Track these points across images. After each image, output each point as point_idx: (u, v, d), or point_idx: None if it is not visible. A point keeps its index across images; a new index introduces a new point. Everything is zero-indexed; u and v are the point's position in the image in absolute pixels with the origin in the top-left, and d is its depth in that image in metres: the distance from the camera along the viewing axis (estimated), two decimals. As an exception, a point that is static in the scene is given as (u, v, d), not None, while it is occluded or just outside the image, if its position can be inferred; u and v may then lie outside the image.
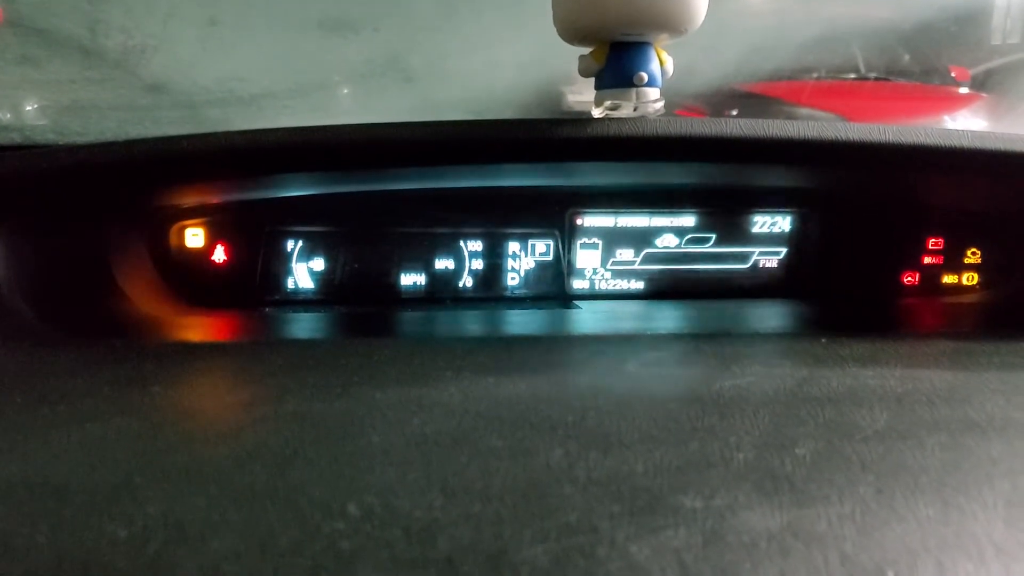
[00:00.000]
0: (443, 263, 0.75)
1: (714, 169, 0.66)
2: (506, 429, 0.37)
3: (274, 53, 1.01)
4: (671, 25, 0.57)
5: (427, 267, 0.75)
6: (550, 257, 0.76)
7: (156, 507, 0.29)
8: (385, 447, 0.35)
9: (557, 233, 0.76)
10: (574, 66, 0.61)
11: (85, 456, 0.35)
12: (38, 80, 0.96)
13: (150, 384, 0.44)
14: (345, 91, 1.02)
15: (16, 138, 0.95)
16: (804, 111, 2.43)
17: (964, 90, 2.69)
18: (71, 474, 0.33)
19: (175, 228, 0.71)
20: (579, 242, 0.76)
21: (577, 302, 0.75)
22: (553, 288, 0.76)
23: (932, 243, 0.74)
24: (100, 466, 0.33)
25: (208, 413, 0.41)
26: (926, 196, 0.71)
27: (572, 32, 0.59)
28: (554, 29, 0.60)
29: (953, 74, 2.77)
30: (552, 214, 0.75)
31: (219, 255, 0.73)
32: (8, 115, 0.97)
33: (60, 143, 0.93)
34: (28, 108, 0.97)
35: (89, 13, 0.94)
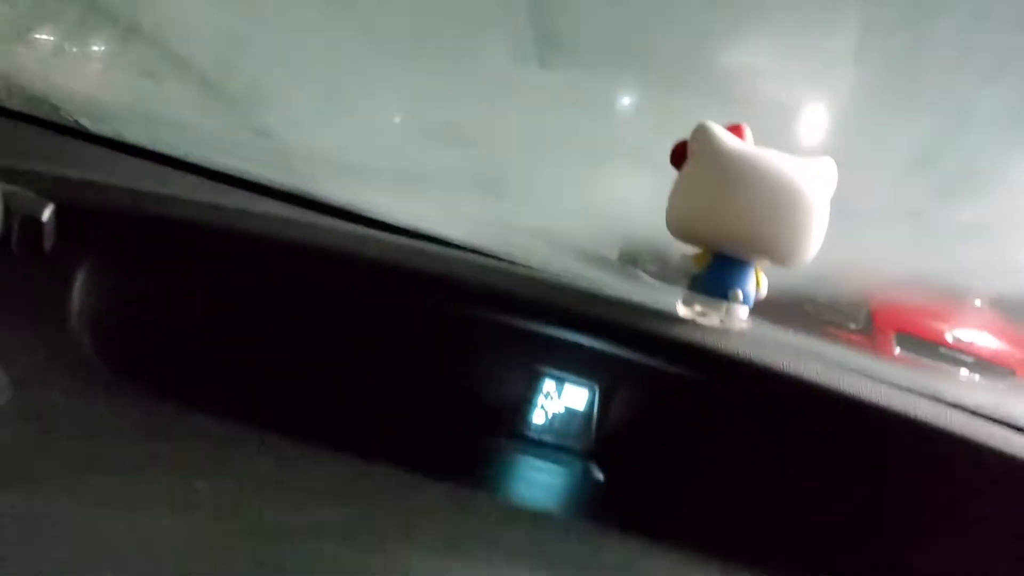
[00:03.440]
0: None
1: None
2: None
3: (386, 138, 1.04)
4: (780, 256, 0.58)
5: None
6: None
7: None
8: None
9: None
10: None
11: (129, 553, 0.34)
12: (153, 93, 0.99)
13: (197, 476, 0.44)
14: (435, 188, 1.04)
15: (108, 131, 0.97)
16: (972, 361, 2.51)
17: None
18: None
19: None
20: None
21: None
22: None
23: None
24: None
25: (252, 537, 0.41)
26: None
27: (682, 233, 0.61)
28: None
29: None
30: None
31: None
32: (111, 112, 0.99)
33: (147, 147, 0.95)
34: (132, 111, 0.99)
35: (228, 56, 0.97)
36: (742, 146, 0.59)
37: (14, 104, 0.86)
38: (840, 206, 0.61)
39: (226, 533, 0.39)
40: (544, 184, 1.07)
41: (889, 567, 0.59)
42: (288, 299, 0.61)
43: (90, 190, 0.59)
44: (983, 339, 2.70)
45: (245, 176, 0.93)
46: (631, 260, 1.16)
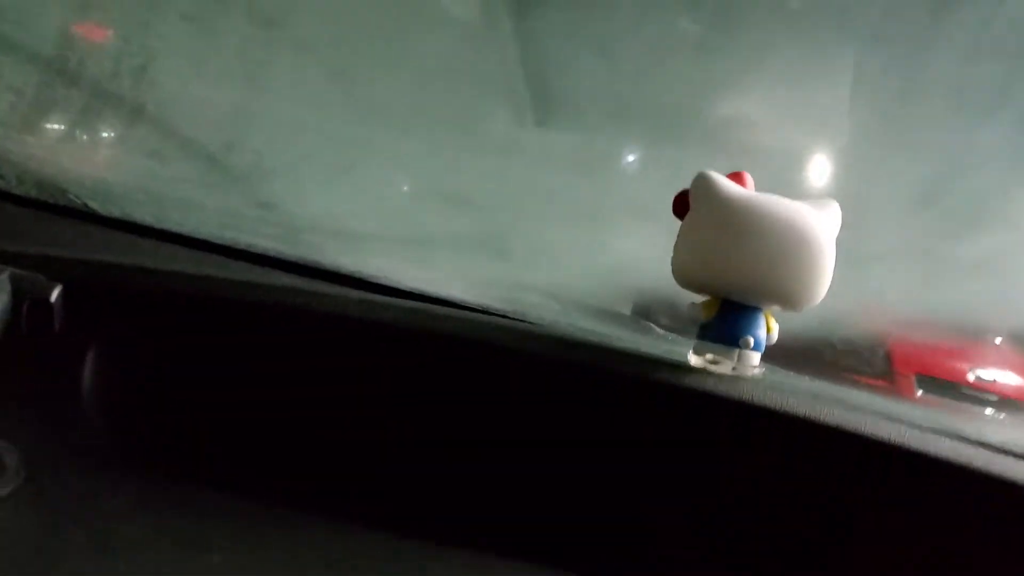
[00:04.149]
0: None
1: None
2: None
3: (388, 206, 1.05)
4: (789, 302, 0.58)
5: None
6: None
7: None
8: None
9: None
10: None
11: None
12: (159, 172, 1.00)
13: (211, 551, 0.43)
14: (441, 252, 1.05)
15: (116, 212, 0.98)
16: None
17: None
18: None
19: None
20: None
21: None
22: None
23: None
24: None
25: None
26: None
27: (689, 282, 0.60)
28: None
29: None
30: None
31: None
32: (118, 192, 1.00)
33: (156, 227, 0.96)
34: (139, 191, 1.01)
35: (231, 133, 0.99)
36: (743, 192, 0.59)
37: (24, 190, 0.87)
38: (847, 248, 0.61)
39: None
40: (550, 243, 1.08)
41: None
42: (296, 368, 0.61)
43: (97, 270, 0.60)
44: (1005, 376, 2.67)
45: (252, 249, 0.94)
46: (643, 314, 1.16)
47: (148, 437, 0.57)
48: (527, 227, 1.08)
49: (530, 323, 0.71)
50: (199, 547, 0.42)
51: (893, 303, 1.10)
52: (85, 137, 1.01)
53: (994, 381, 2.70)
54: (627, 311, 1.15)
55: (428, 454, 0.61)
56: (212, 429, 0.59)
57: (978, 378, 2.74)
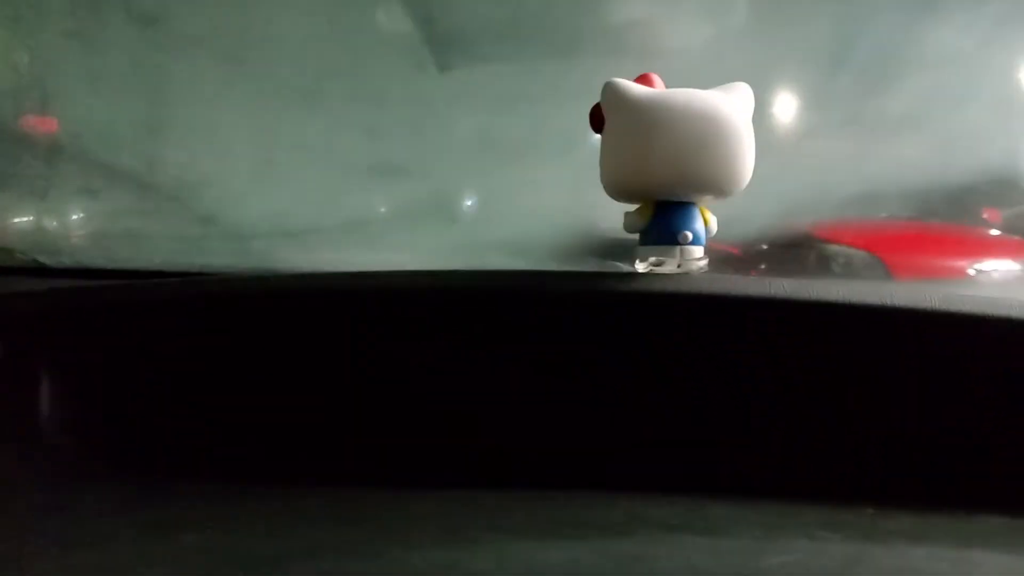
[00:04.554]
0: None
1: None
2: (546, 606, 0.36)
3: (324, 192, 1.04)
4: (717, 189, 0.59)
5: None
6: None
7: None
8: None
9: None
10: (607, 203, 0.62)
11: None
12: (94, 209, 1.00)
13: (182, 531, 0.43)
14: (390, 228, 1.05)
15: (67, 262, 0.97)
16: (839, 250, 2.44)
17: (995, 232, 2.67)
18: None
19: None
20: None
21: None
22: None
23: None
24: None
25: (240, 569, 0.40)
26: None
27: (619, 192, 0.61)
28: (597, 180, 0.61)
29: (986, 216, 2.75)
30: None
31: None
32: (62, 240, 1.00)
33: (109, 268, 0.96)
34: (82, 235, 1.01)
35: (149, 150, 0.99)
36: (652, 92, 0.59)
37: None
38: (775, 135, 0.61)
39: (213, 570, 0.39)
40: (495, 193, 1.07)
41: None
42: (255, 349, 0.61)
43: (29, 298, 0.59)
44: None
45: (206, 271, 0.94)
46: (611, 255, 1.16)
47: (112, 445, 0.57)
48: (467, 183, 1.07)
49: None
50: (170, 531, 0.43)
51: (839, 182, 1.11)
52: (12, 190, 1.00)
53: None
54: (596, 256, 1.15)
55: (381, 408, 0.61)
56: (176, 425, 0.59)
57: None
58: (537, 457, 0.59)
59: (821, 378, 0.60)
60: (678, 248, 0.60)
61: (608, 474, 0.59)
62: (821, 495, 0.59)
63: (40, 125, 1.01)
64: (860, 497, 0.57)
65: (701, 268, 0.61)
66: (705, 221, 0.61)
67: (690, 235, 0.60)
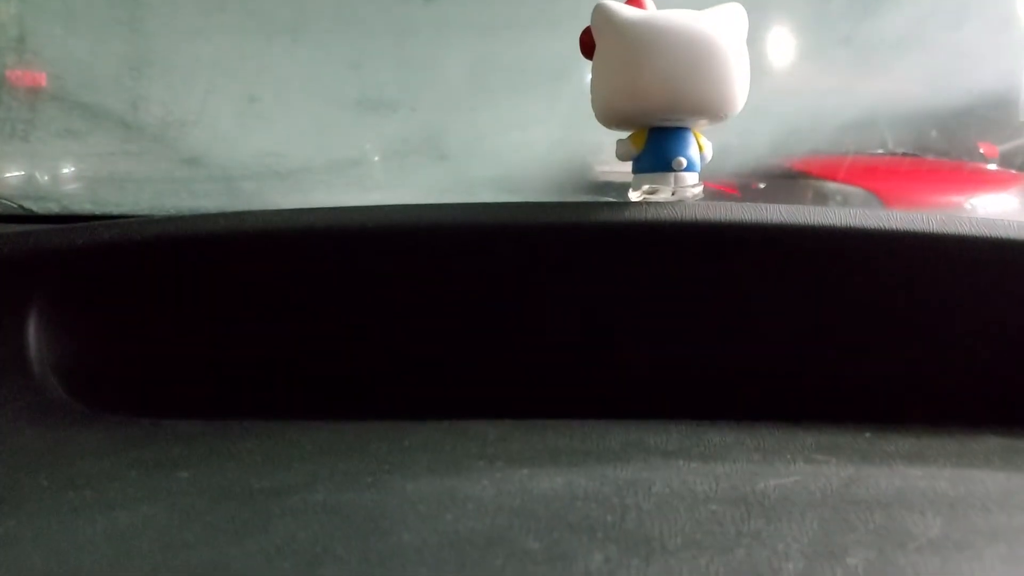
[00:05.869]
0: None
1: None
2: (542, 529, 0.36)
3: (311, 129, 1.02)
4: (710, 112, 0.57)
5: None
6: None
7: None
8: (417, 545, 0.34)
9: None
10: (603, 138, 0.61)
11: (110, 548, 0.34)
12: (78, 152, 0.98)
13: (179, 469, 0.43)
14: (380, 167, 1.03)
15: (54, 207, 0.96)
16: (835, 187, 2.42)
17: (993, 167, 2.65)
18: (94, 567, 0.32)
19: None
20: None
21: None
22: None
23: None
24: (125, 560, 0.33)
25: (237, 502, 0.40)
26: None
27: (611, 118, 0.60)
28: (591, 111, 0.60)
29: (982, 150, 2.73)
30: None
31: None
32: (47, 185, 0.99)
33: (96, 213, 0.95)
34: (67, 179, 0.99)
35: (132, 89, 0.97)
36: (643, 13, 0.58)
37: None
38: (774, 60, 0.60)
39: (210, 503, 0.39)
40: (485, 129, 1.06)
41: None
42: (250, 286, 0.61)
43: (19, 238, 0.59)
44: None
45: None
46: (597, 191, 1.15)
47: (106, 384, 0.57)
48: (457, 118, 1.05)
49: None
50: (166, 469, 0.42)
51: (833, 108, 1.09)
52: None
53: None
54: (588, 193, 1.13)
55: (372, 343, 0.61)
56: (170, 363, 0.59)
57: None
58: (533, 387, 0.59)
59: (819, 303, 0.59)
60: (672, 175, 0.59)
61: (605, 402, 0.59)
62: (819, 420, 0.59)
63: (27, 79, 0.99)
64: (858, 421, 0.57)
65: (696, 196, 0.60)
66: (700, 147, 0.60)
67: (684, 161, 0.59)
